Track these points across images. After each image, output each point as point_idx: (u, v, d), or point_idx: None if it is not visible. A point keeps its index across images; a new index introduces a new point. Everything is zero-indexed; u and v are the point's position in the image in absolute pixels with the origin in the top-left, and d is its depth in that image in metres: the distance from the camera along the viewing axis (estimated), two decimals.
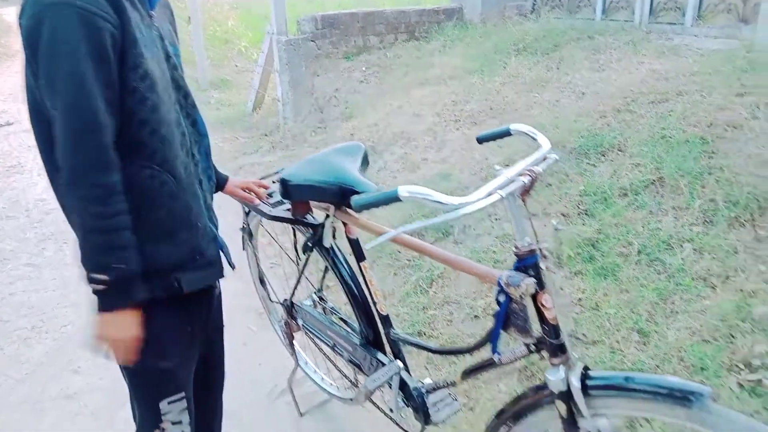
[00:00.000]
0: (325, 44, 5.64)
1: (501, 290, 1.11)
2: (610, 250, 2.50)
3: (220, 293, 1.55)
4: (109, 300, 1.14)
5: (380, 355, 1.69)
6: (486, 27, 5.75)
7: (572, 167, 2.98)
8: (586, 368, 1.12)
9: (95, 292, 1.13)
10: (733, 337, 2.01)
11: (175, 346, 1.32)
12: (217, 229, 1.41)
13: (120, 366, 1.35)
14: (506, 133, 1.30)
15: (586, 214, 2.72)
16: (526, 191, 1.07)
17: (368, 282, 1.65)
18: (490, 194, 1.01)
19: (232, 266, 1.48)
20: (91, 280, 1.11)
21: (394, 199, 0.99)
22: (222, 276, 1.42)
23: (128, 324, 1.17)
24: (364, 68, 5.48)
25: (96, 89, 1.04)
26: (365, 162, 1.64)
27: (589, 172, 2.92)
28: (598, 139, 3.08)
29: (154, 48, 1.17)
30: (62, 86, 1.04)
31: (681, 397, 0.98)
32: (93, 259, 1.11)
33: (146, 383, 1.34)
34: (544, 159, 1.14)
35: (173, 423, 1.36)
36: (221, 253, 1.40)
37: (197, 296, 1.36)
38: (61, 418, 2.25)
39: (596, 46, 4.45)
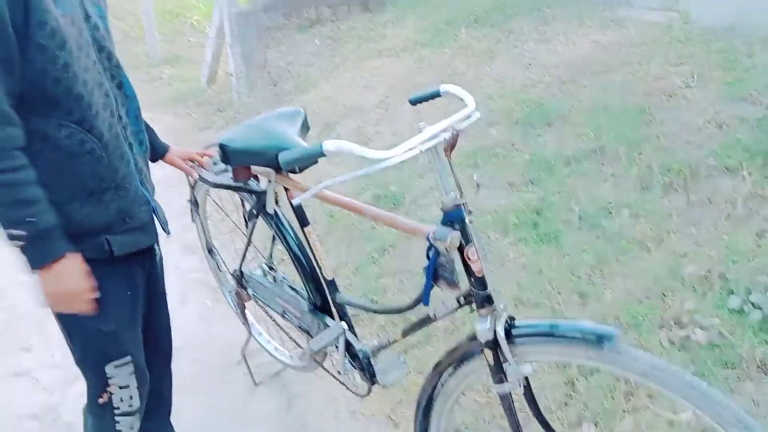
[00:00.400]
0: (277, 16, 5.55)
1: (430, 245, 1.16)
2: (553, 217, 2.59)
3: (161, 258, 1.56)
4: (35, 255, 1.15)
5: (327, 319, 1.73)
6: None
7: (519, 137, 3.06)
8: (511, 318, 1.19)
9: (19, 250, 1.14)
10: (664, 296, 2.14)
11: (115, 308, 1.34)
12: (151, 194, 1.42)
13: (62, 331, 1.36)
14: (436, 95, 1.34)
15: (531, 182, 2.80)
16: (449, 147, 1.11)
17: (313, 247, 1.68)
18: (412, 149, 1.05)
19: (167, 232, 1.49)
20: (9, 237, 1.13)
21: (319, 154, 1.02)
22: (154, 240, 1.44)
23: (70, 275, 1.19)
24: (317, 41, 5.44)
25: None
26: (305, 126, 1.66)
27: (535, 142, 3.00)
28: (543, 109, 3.16)
29: (68, 6, 1.16)
30: None
31: (593, 340, 1.06)
32: (2, 215, 1.12)
33: (89, 347, 1.35)
34: (468, 117, 1.18)
35: (121, 387, 1.39)
36: (155, 218, 1.42)
37: (137, 259, 1.38)
38: (12, 395, 2.24)
39: (544, 18, 4.52)
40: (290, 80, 5.09)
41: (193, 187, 2.07)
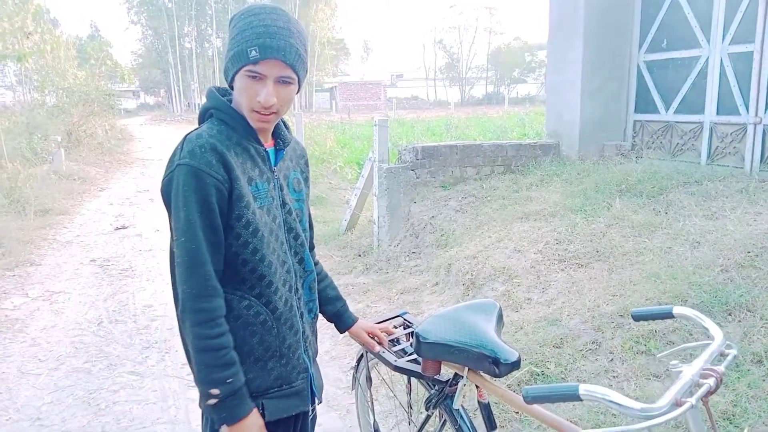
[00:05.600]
0: (423, 173, 5.85)
1: None
2: (750, 425, 2.24)
3: (314, 417, 1.58)
4: (228, 413, 1.24)
5: None
6: (584, 164, 5.78)
7: (696, 325, 2.78)
8: None
9: (210, 406, 1.23)
10: None
11: None
12: (312, 358, 1.50)
13: None
14: (668, 316, 1.24)
15: None
16: (709, 393, 0.99)
17: None
18: (676, 403, 0.93)
19: (319, 400, 1.54)
20: (205, 396, 1.23)
21: (574, 397, 0.94)
22: (307, 407, 1.47)
23: (253, 430, 1.27)
24: (460, 198, 5.59)
25: (201, 231, 1.24)
26: (500, 321, 1.61)
27: None
28: (722, 295, 2.89)
29: (267, 198, 1.35)
30: (180, 227, 1.24)
31: None
32: (205, 376, 1.24)
33: None
34: (722, 354, 1.06)
35: None
36: (312, 384, 1.48)
37: (287, 420, 1.42)
38: None
39: (706, 192, 4.33)
40: (432, 234, 5.20)
41: (361, 358, 2.05)
